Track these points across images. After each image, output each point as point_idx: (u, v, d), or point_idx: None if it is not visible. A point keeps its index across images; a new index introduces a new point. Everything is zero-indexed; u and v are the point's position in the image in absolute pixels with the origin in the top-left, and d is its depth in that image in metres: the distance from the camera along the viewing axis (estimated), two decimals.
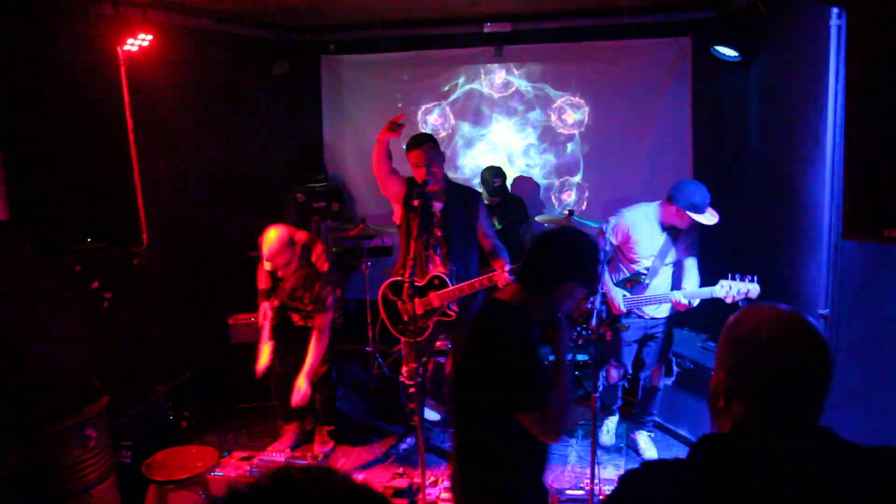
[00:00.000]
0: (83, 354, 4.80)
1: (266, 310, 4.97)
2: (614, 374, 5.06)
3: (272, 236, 4.64)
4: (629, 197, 7.17)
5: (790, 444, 1.42)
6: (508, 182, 7.07)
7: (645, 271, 4.76)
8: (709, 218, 4.44)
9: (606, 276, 4.71)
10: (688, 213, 4.41)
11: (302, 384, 4.79)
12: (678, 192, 4.48)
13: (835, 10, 3.65)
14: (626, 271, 4.84)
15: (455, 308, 4.63)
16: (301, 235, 4.86)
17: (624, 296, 4.79)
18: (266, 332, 4.91)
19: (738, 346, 1.50)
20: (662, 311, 4.83)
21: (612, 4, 6.69)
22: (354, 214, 7.32)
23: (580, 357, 6.47)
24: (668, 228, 4.68)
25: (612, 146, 7.28)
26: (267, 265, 4.77)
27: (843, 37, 3.56)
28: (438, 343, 5.27)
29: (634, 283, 4.83)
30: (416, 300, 4.55)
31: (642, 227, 4.70)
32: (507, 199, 6.81)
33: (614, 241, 4.76)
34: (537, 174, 7.51)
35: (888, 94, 2.78)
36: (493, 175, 6.66)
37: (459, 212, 4.65)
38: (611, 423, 5.36)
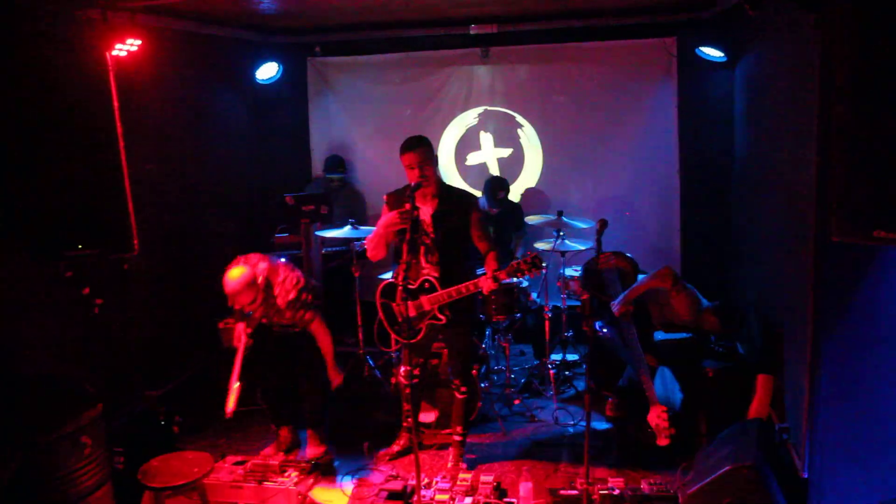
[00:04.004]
0: (75, 361, 4.77)
1: (241, 334, 4.86)
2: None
3: (234, 276, 4.58)
4: (616, 197, 7.27)
5: None
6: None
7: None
8: None
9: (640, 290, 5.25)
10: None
11: (334, 375, 4.98)
12: (731, 319, 5.21)
13: None
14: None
15: (447, 312, 4.65)
16: (263, 267, 4.74)
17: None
18: (236, 369, 4.70)
19: None
20: None
21: (597, 6, 6.73)
22: (343, 217, 7.32)
23: (570, 357, 6.51)
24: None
25: (598, 146, 7.33)
26: (230, 303, 4.70)
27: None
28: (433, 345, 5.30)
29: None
30: (409, 303, 4.57)
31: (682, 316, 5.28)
32: (507, 209, 6.84)
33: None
34: (525, 175, 7.54)
35: (875, 96, 2.83)
36: (498, 186, 6.68)
37: (451, 216, 4.66)
38: None
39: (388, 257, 4.88)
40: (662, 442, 4.82)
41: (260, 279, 4.68)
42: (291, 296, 4.76)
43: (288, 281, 4.78)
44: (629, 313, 5.05)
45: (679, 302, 5.23)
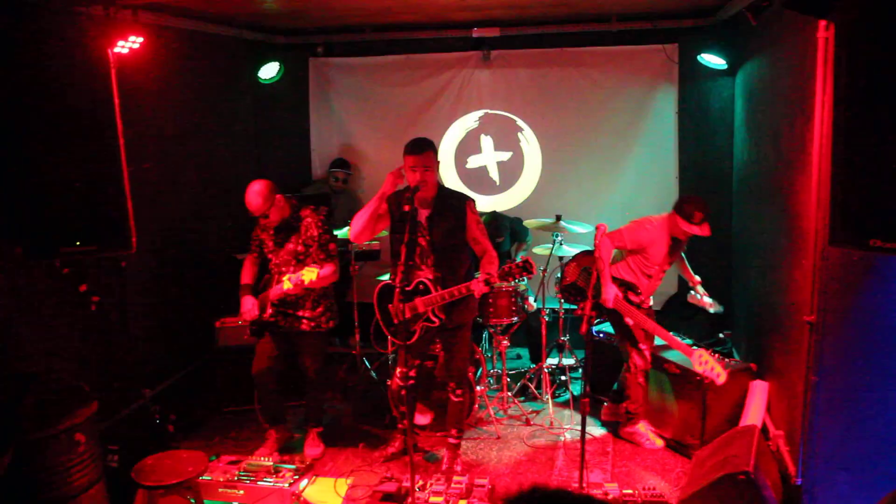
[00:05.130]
0: (71, 358, 4.77)
1: (253, 307, 5.06)
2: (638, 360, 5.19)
3: (256, 183, 4.97)
4: (615, 202, 7.27)
5: None
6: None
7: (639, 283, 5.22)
8: (703, 230, 4.95)
9: (607, 271, 5.04)
10: (688, 223, 4.93)
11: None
12: (682, 205, 5.03)
13: (823, 23, 3.69)
14: (637, 273, 5.24)
15: (441, 315, 4.65)
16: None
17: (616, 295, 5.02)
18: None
19: None
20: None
21: (600, 11, 6.74)
22: (342, 218, 7.32)
23: (566, 361, 6.51)
24: (673, 238, 5.15)
25: (598, 151, 7.34)
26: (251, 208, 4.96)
27: (830, 48, 3.61)
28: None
29: (629, 291, 5.14)
30: (405, 304, 4.57)
31: (658, 240, 5.14)
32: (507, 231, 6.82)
33: (627, 247, 5.15)
34: (524, 178, 7.55)
35: (875, 106, 2.83)
36: (495, 233, 6.49)
37: (446, 219, 4.66)
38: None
39: (386, 257, 4.87)
40: (720, 381, 4.60)
41: (279, 197, 4.98)
42: (320, 223, 5.08)
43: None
44: (618, 297, 5.01)
45: (635, 237, 5.14)
